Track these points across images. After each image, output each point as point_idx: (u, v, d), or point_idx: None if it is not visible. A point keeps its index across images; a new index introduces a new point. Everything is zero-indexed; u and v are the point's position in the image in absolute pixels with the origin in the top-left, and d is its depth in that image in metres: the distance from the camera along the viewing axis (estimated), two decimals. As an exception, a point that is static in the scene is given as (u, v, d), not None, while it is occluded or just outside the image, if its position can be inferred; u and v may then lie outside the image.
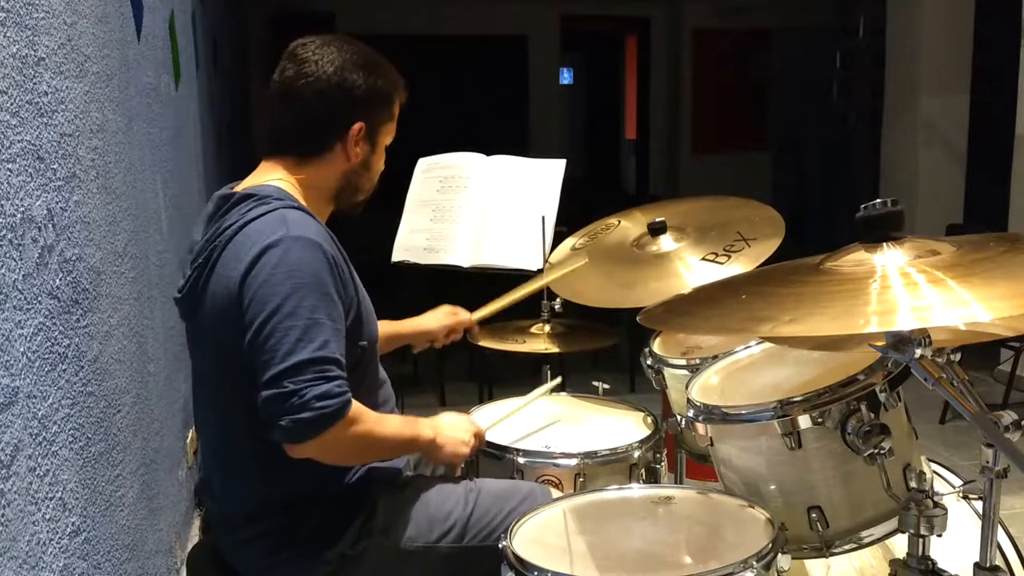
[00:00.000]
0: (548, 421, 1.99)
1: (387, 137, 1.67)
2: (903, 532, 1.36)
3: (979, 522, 1.31)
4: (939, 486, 1.50)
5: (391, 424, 1.56)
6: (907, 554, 1.36)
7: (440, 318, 2.06)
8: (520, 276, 2.29)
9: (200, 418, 1.66)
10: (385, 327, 1.88)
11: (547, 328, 2.27)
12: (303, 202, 1.56)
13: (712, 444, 1.54)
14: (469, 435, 1.69)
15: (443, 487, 1.65)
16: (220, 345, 1.50)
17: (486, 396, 4.29)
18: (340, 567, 1.53)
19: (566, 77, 10.92)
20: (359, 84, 1.58)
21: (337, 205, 1.67)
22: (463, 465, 1.87)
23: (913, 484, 1.37)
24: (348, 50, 1.59)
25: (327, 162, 1.60)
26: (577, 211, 2.91)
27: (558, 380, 2.12)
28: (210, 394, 1.60)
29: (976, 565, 1.27)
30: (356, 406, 1.44)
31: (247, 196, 1.53)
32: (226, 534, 1.60)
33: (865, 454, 1.34)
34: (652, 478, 1.82)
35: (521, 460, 1.78)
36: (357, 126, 1.59)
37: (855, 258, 1.27)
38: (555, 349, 2.19)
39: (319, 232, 1.50)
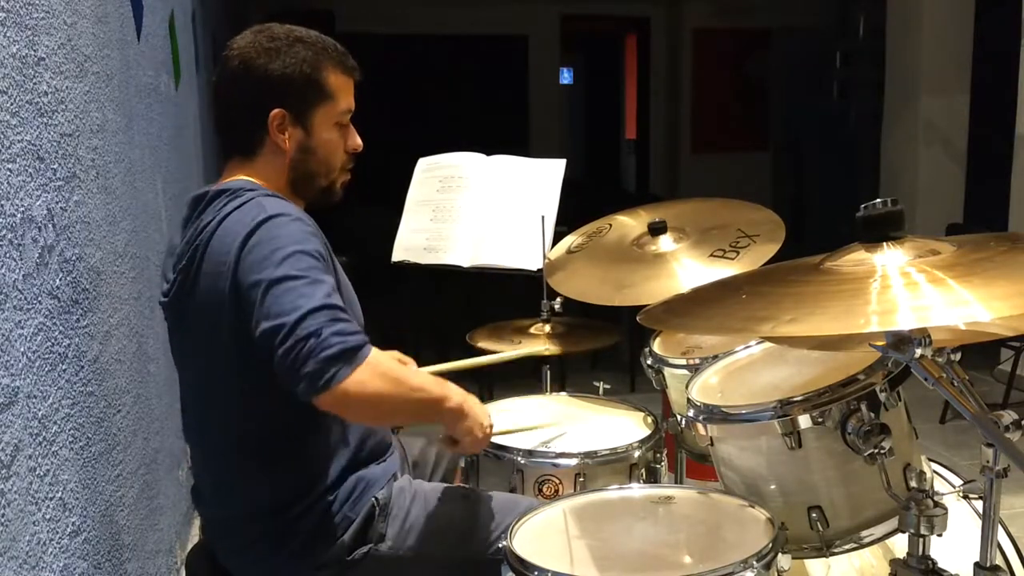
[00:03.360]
0: (548, 421, 1.99)
1: (327, 116, 1.58)
2: (903, 532, 1.36)
3: (979, 522, 1.31)
4: (939, 486, 1.50)
5: (421, 376, 1.51)
6: (907, 554, 1.36)
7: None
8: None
9: (188, 424, 1.64)
10: None
11: (547, 328, 2.27)
12: None
13: (712, 444, 1.54)
14: (488, 422, 1.60)
15: (444, 497, 1.64)
16: (210, 347, 1.49)
17: (486, 396, 4.29)
18: (337, 572, 1.53)
19: (566, 77, 10.91)
20: (266, 71, 1.52)
21: (304, 198, 1.62)
22: (462, 465, 1.87)
23: (913, 484, 1.37)
24: (260, 37, 1.54)
25: (267, 156, 1.56)
26: (577, 211, 2.91)
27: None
28: (198, 399, 1.59)
29: (976, 565, 1.27)
30: (379, 352, 1.38)
31: (220, 192, 1.51)
32: (221, 538, 1.60)
33: (865, 454, 1.34)
34: (652, 478, 1.81)
35: (521, 460, 1.78)
36: (274, 114, 1.53)
37: (855, 258, 1.27)
38: (555, 349, 2.19)
39: (298, 211, 1.48)
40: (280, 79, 1.52)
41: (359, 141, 1.65)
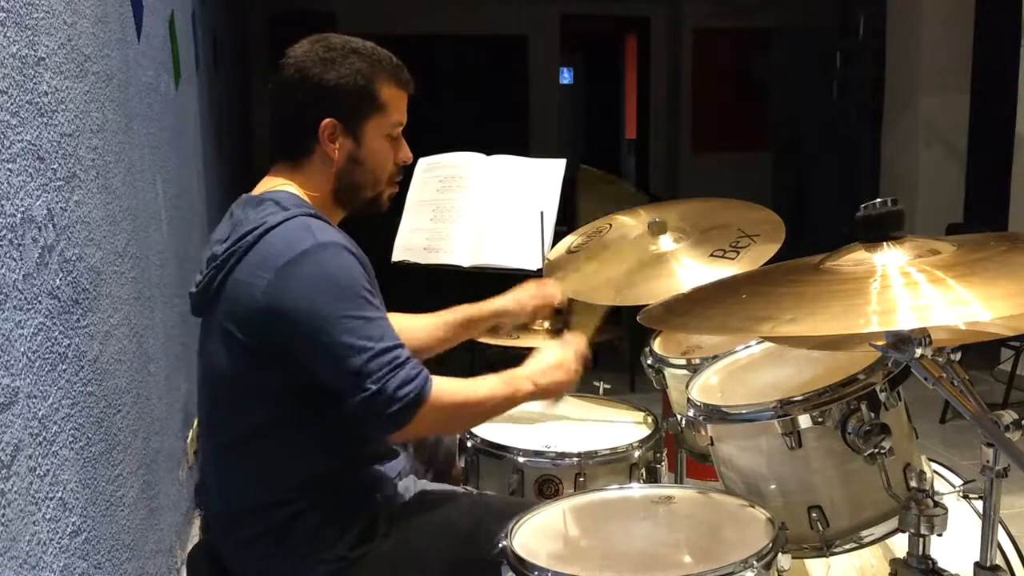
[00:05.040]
0: (548, 421, 1.99)
1: (379, 128, 1.60)
2: (903, 531, 1.37)
3: (979, 521, 1.31)
4: (939, 485, 1.50)
5: (484, 387, 1.57)
6: (907, 553, 1.36)
7: (527, 297, 1.99)
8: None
9: (203, 417, 1.66)
10: (462, 311, 1.95)
11: (547, 325, 2.26)
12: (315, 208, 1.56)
13: (712, 444, 1.54)
14: (571, 359, 1.68)
15: (448, 498, 1.64)
16: (228, 345, 1.50)
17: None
18: (339, 570, 1.53)
19: (566, 77, 10.90)
20: (320, 80, 1.54)
21: (346, 207, 1.64)
22: (462, 465, 1.87)
23: (913, 483, 1.37)
24: (316, 47, 1.56)
25: (315, 165, 1.58)
26: (577, 211, 2.90)
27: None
28: (212, 393, 1.60)
29: (976, 564, 1.27)
30: (439, 383, 1.47)
31: (266, 200, 1.53)
32: (225, 535, 1.60)
33: (865, 453, 1.34)
34: (652, 478, 1.82)
35: (521, 460, 1.78)
36: (325, 123, 1.55)
37: (855, 257, 1.27)
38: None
39: (343, 237, 1.51)
40: (334, 89, 1.54)
41: (409, 154, 1.67)
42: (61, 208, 1.50)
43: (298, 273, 1.43)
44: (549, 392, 1.65)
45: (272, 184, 1.59)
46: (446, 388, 1.48)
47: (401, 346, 1.45)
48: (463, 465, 1.87)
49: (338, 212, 1.64)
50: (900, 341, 1.18)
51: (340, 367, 1.41)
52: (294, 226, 1.47)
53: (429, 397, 1.43)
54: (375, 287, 1.52)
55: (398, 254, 2.52)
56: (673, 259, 2.00)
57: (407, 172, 2.57)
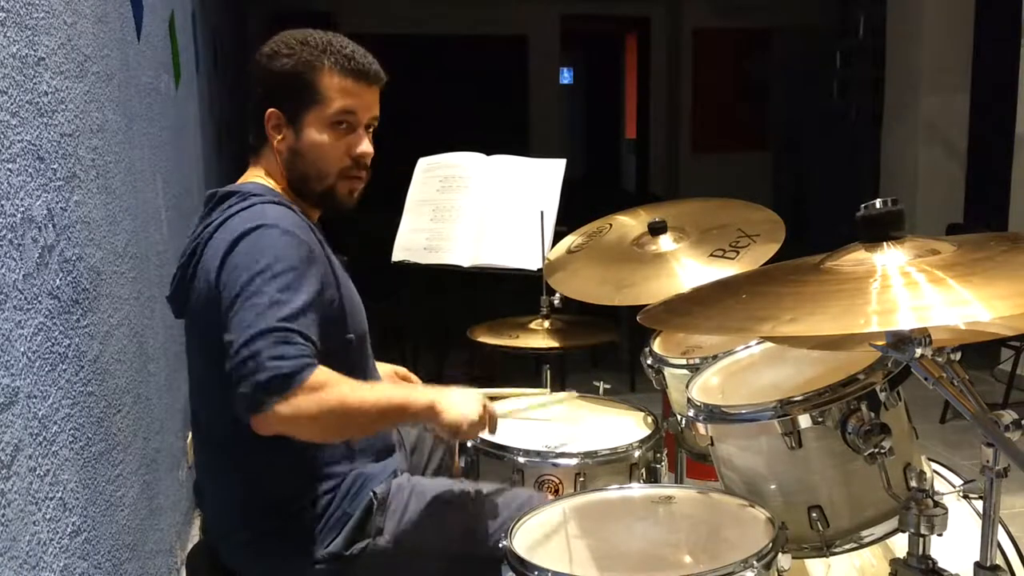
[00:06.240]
0: (548, 421, 1.99)
1: (317, 119, 1.56)
2: (903, 531, 1.36)
3: (979, 521, 1.31)
4: (939, 485, 1.50)
5: (373, 390, 1.48)
6: (907, 553, 1.36)
7: (386, 374, 1.88)
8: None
9: (194, 419, 1.66)
10: None
11: (546, 324, 2.27)
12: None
13: (712, 444, 1.54)
14: (476, 410, 1.53)
15: (442, 492, 1.63)
16: (204, 341, 1.51)
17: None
18: (337, 568, 1.53)
19: (566, 77, 10.92)
20: (265, 71, 1.57)
21: (307, 201, 1.62)
22: (462, 465, 1.87)
23: (913, 483, 1.37)
24: (275, 39, 1.59)
25: (268, 156, 1.61)
26: (577, 211, 2.91)
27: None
28: (200, 393, 1.61)
29: (976, 564, 1.27)
30: (323, 372, 1.36)
31: (230, 194, 1.55)
32: (221, 535, 1.60)
33: (865, 453, 1.34)
34: (652, 478, 1.82)
35: (521, 460, 1.78)
36: (269, 113, 1.57)
37: (855, 257, 1.27)
38: (554, 345, 2.19)
39: (295, 223, 1.50)
40: (275, 79, 1.57)
41: (366, 148, 1.60)
42: (61, 208, 1.50)
43: (237, 249, 1.43)
44: (445, 416, 1.49)
45: (246, 177, 1.62)
46: (328, 382, 1.35)
47: (302, 333, 1.35)
48: (463, 465, 1.87)
49: (303, 205, 1.61)
50: (900, 341, 1.18)
51: (235, 332, 1.35)
52: (249, 213, 1.49)
53: (304, 382, 1.32)
54: (332, 266, 1.51)
55: (398, 254, 2.53)
56: (673, 259, 2.00)
57: (407, 172, 2.58)
